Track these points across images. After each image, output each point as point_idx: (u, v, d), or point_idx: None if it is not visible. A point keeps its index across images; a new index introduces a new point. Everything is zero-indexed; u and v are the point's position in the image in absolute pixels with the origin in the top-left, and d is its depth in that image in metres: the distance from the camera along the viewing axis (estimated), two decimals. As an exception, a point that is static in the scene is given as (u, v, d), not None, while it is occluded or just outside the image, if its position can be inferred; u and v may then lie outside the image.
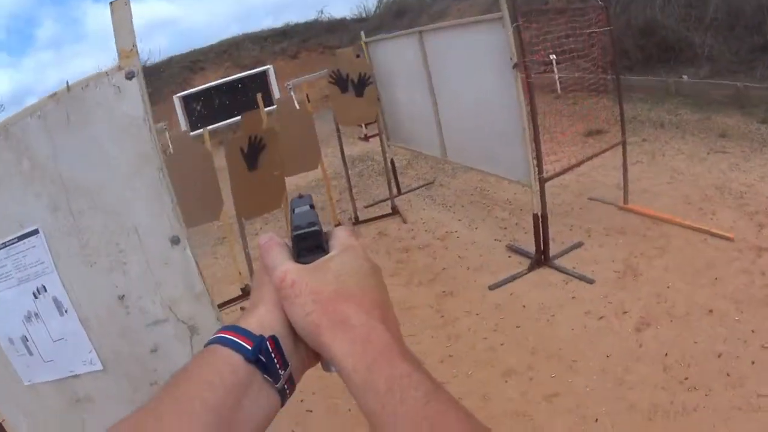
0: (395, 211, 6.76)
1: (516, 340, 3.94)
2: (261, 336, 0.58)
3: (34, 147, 1.24)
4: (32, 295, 1.31)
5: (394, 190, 7.14)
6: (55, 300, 1.31)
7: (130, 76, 1.20)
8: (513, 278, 4.73)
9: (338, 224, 6.23)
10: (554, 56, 5.41)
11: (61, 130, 1.22)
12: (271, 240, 0.67)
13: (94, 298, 1.34)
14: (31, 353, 1.36)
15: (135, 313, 1.36)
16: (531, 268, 4.79)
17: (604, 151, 5.39)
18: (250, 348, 0.57)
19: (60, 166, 1.24)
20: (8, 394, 1.45)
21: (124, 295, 1.35)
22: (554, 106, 6.04)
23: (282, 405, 0.60)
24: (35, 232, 1.27)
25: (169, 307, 1.37)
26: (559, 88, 7.84)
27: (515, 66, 4.11)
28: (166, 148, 4.74)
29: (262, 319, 0.61)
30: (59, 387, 1.41)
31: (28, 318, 1.33)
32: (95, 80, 1.21)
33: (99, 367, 1.38)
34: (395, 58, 6.21)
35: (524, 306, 4.33)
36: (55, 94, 1.21)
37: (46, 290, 1.30)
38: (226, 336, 0.59)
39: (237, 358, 0.56)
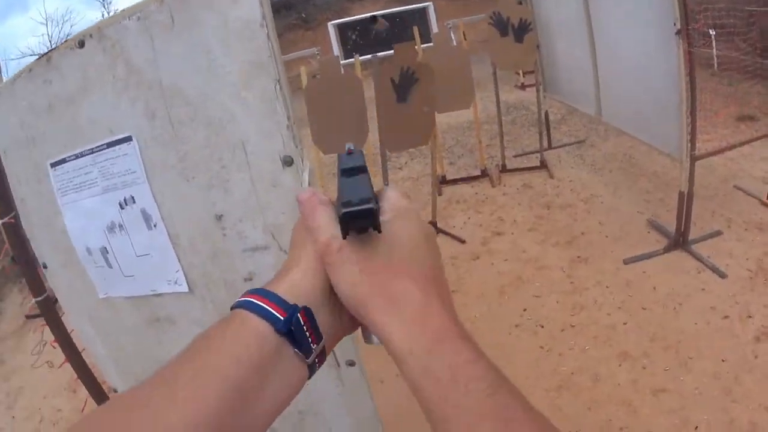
0: (543, 165, 6.31)
1: (638, 323, 3.59)
2: (295, 306, 0.51)
3: (131, 50, 1.07)
4: (118, 206, 1.17)
5: (545, 144, 6.67)
6: (143, 212, 1.17)
7: (246, -25, 0.98)
8: (649, 256, 4.29)
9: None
10: (713, 31, 4.73)
11: (163, 33, 1.04)
12: (314, 196, 0.58)
13: (187, 215, 1.18)
14: (110, 266, 1.24)
15: (232, 236, 1.19)
16: (667, 249, 4.32)
17: (755, 139, 4.72)
18: (282, 318, 0.50)
19: (160, 72, 1.07)
20: (81, 305, 1.35)
21: (222, 216, 1.17)
22: (709, 83, 5.34)
23: (309, 378, 0.54)
24: (128, 139, 1.11)
25: (272, 233, 1.18)
26: (716, 65, 6.96)
27: (678, 32, 3.59)
28: (315, 74, 4.63)
29: (295, 285, 0.54)
30: (137, 304, 1.29)
31: (111, 229, 1.20)
32: (205, -20, 1.01)
33: (185, 288, 1.25)
34: (557, 8, 5.71)
35: (654, 288, 3.92)
36: (158, -6, 1.03)
37: (134, 201, 1.16)
38: (256, 302, 0.51)
39: (266, 328, 0.50)
